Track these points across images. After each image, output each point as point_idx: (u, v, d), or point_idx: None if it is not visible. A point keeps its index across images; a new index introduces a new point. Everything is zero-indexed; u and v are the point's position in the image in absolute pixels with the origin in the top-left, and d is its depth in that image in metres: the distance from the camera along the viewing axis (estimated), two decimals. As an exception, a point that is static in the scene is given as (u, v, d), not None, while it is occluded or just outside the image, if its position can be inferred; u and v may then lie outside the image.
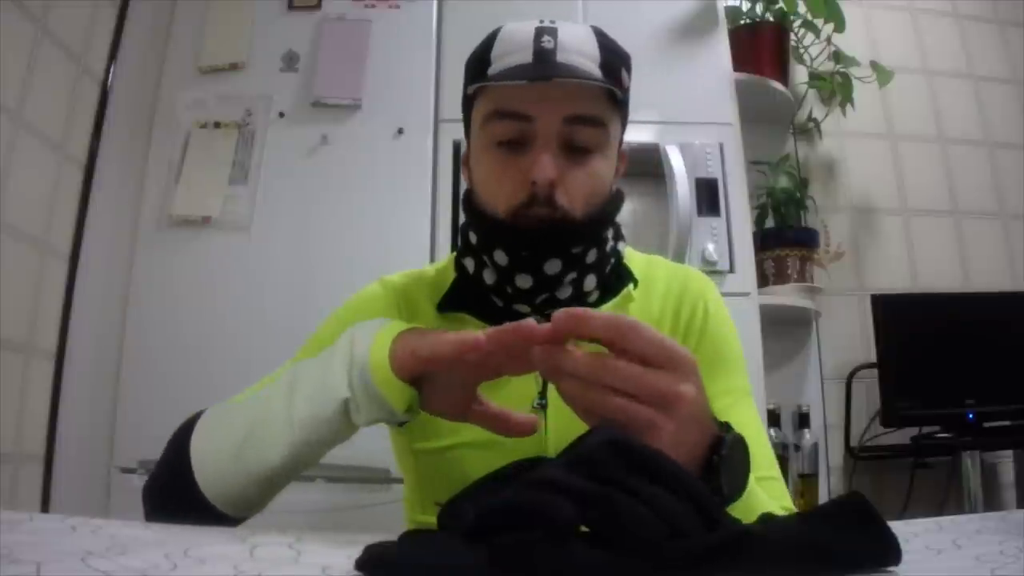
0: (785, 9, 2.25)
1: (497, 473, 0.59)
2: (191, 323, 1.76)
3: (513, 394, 0.82)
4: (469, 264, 0.87)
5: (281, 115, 1.91)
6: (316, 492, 1.61)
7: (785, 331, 2.25)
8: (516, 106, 0.81)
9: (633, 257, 0.97)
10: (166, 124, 1.91)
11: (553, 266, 0.81)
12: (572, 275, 0.82)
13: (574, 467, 0.50)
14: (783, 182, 2.25)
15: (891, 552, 0.45)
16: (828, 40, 2.31)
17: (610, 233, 0.87)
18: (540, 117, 0.80)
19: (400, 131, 1.89)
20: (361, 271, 1.77)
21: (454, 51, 1.98)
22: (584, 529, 0.46)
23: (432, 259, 1.82)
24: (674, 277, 0.96)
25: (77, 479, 1.73)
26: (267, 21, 1.99)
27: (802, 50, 2.36)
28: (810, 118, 2.47)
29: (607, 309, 0.87)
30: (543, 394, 0.85)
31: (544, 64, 0.79)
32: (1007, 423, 2.03)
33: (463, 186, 0.90)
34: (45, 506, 1.70)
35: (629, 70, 0.87)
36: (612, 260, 0.89)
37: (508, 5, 2.04)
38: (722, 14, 2.12)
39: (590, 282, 0.85)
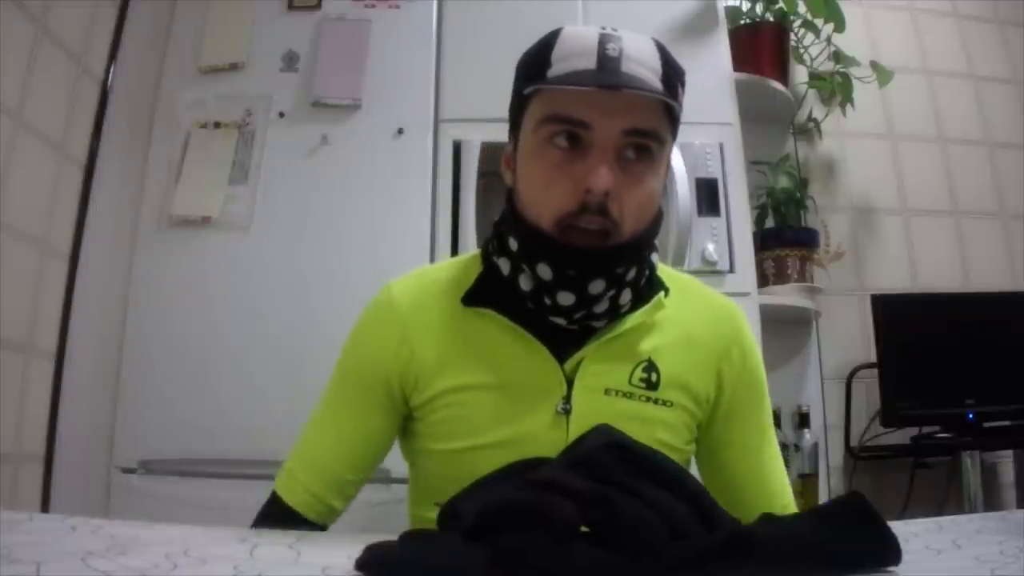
0: (785, 9, 2.24)
1: (497, 473, 0.59)
2: (191, 323, 1.76)
3: (538, 396, 0.83)
4: (504, 265, 0.85)
5: (281, 115, 1.91)
6: (316, 492, 1.61)
7: (785, 331, 2.25)
8: (576, 112, 0.79)
9: (664, 270, 0.96)
10: (166, 124, 1.91)
11: (597, 286, 0.80)
12: (612, 292, 0.82)
13: (575, 468, 0.50)
14: (783, 182, 2.25)
15: (891, 552, 0.45)
16: (828, 40, 2.31)
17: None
18: (600, 126, 0.78)
19: (400, 131, 1.89)
20: (361, 271, 1.78)
21: (454, 51, 1.98)
22: (584, 529, 0.46)
23: (432, 259, 1.82)
24: (712, 302, 0.96)
25: (77, 479, 1.73)
26: (267, 21, 1.98)
27: (802, 50, 2.36)
28: (810, 118, 2.47)
29: (638, 317, 0.87)
30: (568, 399, 0.84)
31: (609, 72, 0.78)
32: (1007, 423, 2.03)
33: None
34: (45, 506, 1.69)
35: (684, 86, 0.87)
36: (646, 272, 0.88)
37: (508, 5, 2.04)
38: (722, 14, 2.12)
39: (626, 296, 0.84)
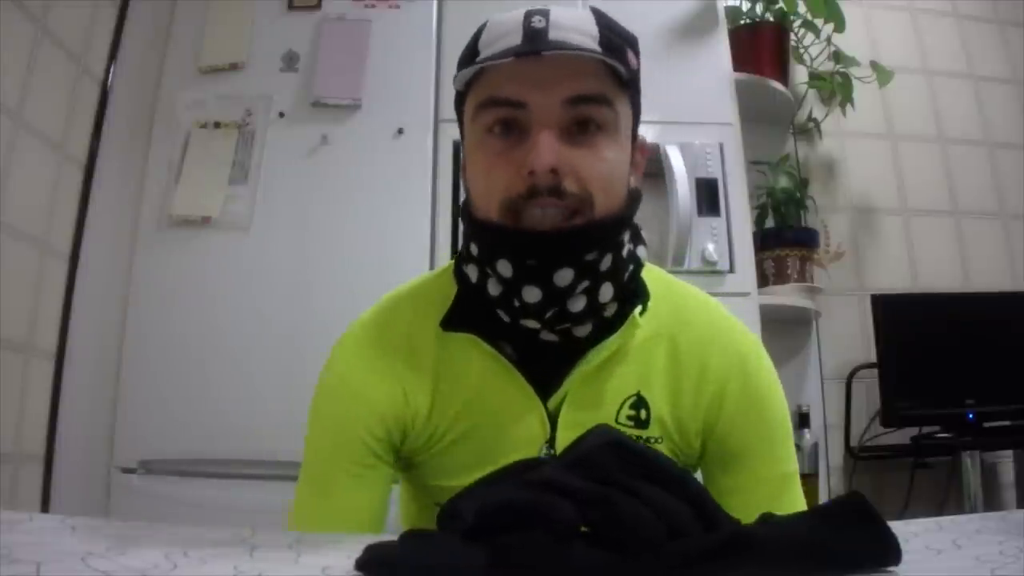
0: (785, 9, 2.24)
1: (497, 473, 0.59)
2: (191, 323, 1.76)
3: (521, 438, 0.77)
4: (472, 272, 0.78)
5: (281, 115, 1.91)
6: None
7: (785, 331, 2.25)
8: (508, 92, 0.72)
9: (660, 278, 0.86)
10: (166, 124, 1.91)
11: (564, 276, 0.71)
12: (585, 283, 0.73)
13: (574, 468, 0.50)
14: (783, 182, 2.25)
15: (891, 552, 0.45)
16: (828, 40, 2.31)
17: (626, 236, 0.78)
18: (535, 101, 0.72)
19: (400, 131, 1.89)
20: (361, 271, 1.78)
21: (454, 51, 1.95)
22: (584, 529, 0.46)
23: (432, 259, 1.82)
24: (719, 328, 0.83)
25: (77, 479, 1.73)
26: (267, 21, 1.99)
27: (802, 50, 2.36)
28: (810, 118, 2.47)
29: (618, 339, 0.77)
30: (551, 442, 0.77)
31: (534, 43, 0.71)
32: (1007, 423, 2.03)
33: (464, 193, 0.82)
34: (45, 506, 1.70)
35: (636, 51, 0.78)
36: (631, 267, 0.78)
37: (508, 5, 2.04)
38: (722, 14, 2.12)
39: (606, 292, 0.74)
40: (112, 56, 1.98)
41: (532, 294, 0.72)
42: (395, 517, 0.91)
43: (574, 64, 0.72)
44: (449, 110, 1.94)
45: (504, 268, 0.73)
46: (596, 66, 0.73)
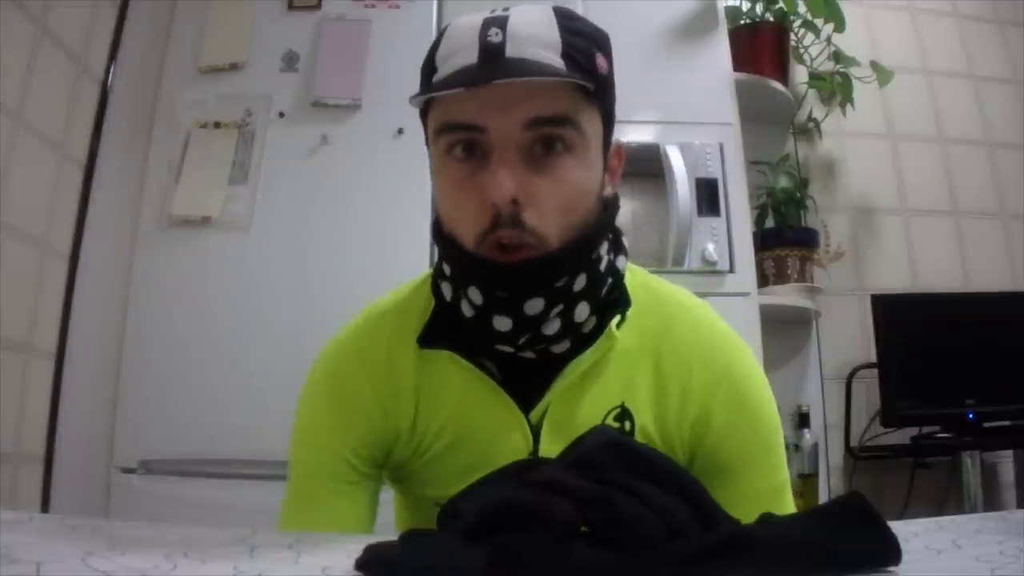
0: (785, 9, 2.24)
1: (497, 473, 0.59)
2: (191, 323, 1.76)
3: (505, 451, 0.74)
4: (447, 290, 0.76)
5: (281, 115, 1.91)
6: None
7: (785, 331, 2.25)
8: (465, 116, 0.69)
9: (647, 284, 0.83)
10: (166, 124, 1.91)
11: (534, 306, 0.69)
12: (558, 308, 0.71)
13: (573, 467, 0.50)
14: (783, 182, 2.25)
15: (891, 552, 0.45)
16: (828, 40, 2.31)
17: (604, 248, 0.75)
18: (493, 126, 0.68)
19: (400, 131, 1.89)
20: (361, 271, 1.78)
21: (454, 51, 1.98)
22: (583, 529, 0.46)
23: (432, 259, 1.82)
24: (705, 336, 0.81)
25: (77, 479, 1.73)
26: (267, 21, 1.99)
27: (802, 50, 2.36)
28: (810, 118, 2.47)
29: (598, 350, 0.76)
30: (534, 455, 0.76)
31: (489, 64, 0.67)
32: (1007, 423, 2.03)
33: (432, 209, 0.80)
34: (45, 506, 1.69)
35: (606, 52, 0.74)
36: (609, 280, 0.76)
37: (507, 5, 2.04)
38: (722, 14, 2.12)
39: (582, 311, 0.73)
40: (112, 56, 1.98)
41: (503, 323, 0.70)
42: (390, 521, 0.90)
43: (535, 82, 0.68)
44: (449, 110, 1.96)
45: (475, 296, 0.71)
46: (559, 83, 0.69)
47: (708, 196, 1.89)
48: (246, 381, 1.71)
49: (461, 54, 0.69)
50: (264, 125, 1.89)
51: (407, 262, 1.78)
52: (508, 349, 0.73)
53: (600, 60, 0.72)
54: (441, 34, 0.73)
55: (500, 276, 0.70)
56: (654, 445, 0.77)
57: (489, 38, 0.68)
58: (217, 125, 1.90)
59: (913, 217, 2.47)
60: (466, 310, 0.73)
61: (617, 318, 0.76)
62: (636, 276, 0.82)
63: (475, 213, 0.69)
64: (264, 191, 1.85)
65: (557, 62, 0.69)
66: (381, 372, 0.80)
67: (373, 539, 0.48)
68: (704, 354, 0.79)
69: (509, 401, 0.76)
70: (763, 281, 2.13)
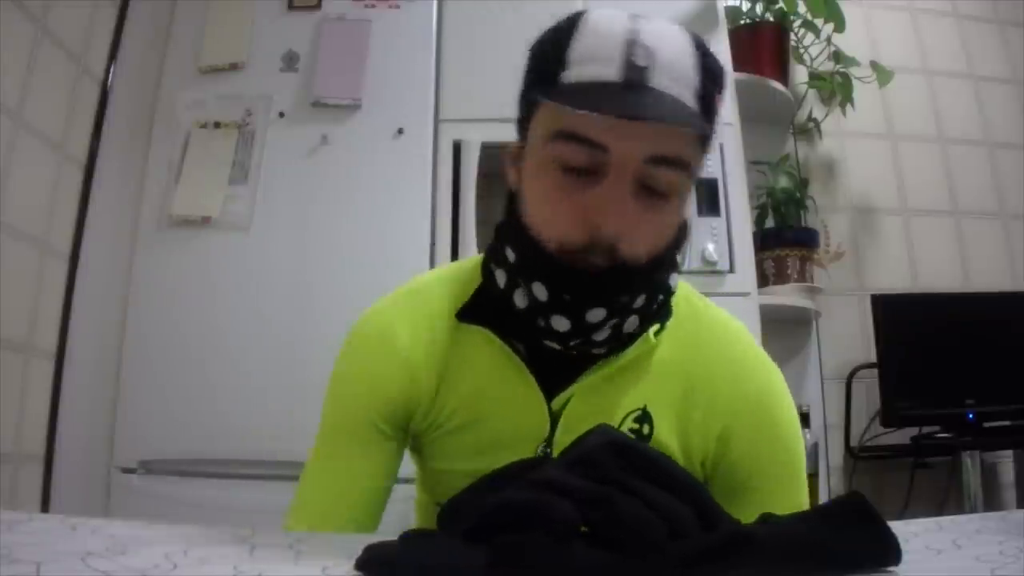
0: (785, 9, 2.25)
1: (497, 473, 0.59)
2: (191, 323, 1.76)
3: (520, 433, 0.77)
4: (500, 277, 0.76)
5: (281, 115, 1.91)
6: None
7: (785, 331, 2.25)
8: (592, 132, 0.67)
9: (691, 299, 0.84)
10: (166, 124, 1.91)
11: (596, 315, 0.71)
12: (614, 320, 0.72)
13: (574, 467, 0.50)
14: (783, 182, 2.25)
15: (891, 552, 0.45)
16: (828, 40, 2.31)
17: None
18: (616, 151, 0.67)
19: (400, 131, 1.89)
20: (361, 271, 1.78)
21: (454, 51, 1.98)
22: (584, 529, 0.46)
23: (432, 258, 1.82)
24: (738, 356, 0.82)
25: (77, 479, 1.73)
26: (267, 21, 1.99)
27: (802, 50, 2.36)
28: (810, 118, 2.47)
29: (633, 351, 0.77)
30: (549, 441, 0.77)
31: (634, 91, 0.66)
32: (1007, 423, 2.03)
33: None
34: (45, 506, 1.70)
35: (723, 87, 0.73)
36: (660, 296, 0.77)
37: (508, 5, 2.04)
38: (722, 14, 2.12)
39: (632, 323, 0.74)
40: (112, 56, 1.98)
41: (561, 324, 0.72)
42: (391, 521, 0.90)
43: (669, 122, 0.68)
44: (449, 110, 1.96)
45: (539, 291, 0.72)
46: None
47: (708, 196, 1.89)
48: (246, 381, 1.71)
49: (601, 64, 0.67)
50: (264, 125, 1.89)
51: (407, 262, 1.78)
52: (554, 345, 0.74)
53: (718, 101, 0.73)
54: (574, 22, 0.70)
55: (575, 284, 0.70)
56: (671, 453, 0.78)
57: (634, 59, 0.67)
58: (217, 125, 1.90)
59: (913, 217, 2.47)
60: (520, 301, 0.74)
61: (656, 326, 0.78)
62: (680, 289, 0.83)
63: (571, 226, 0.69)
64: (264, 191, 1.85)
65: (691, 103, 0.68)
66: (420, 336, 0.81)
67: (373, 539, 0.48)
68: (734, 372, 0.81)
69: (534, 384, 0.77)
70: (763, 281, 2.13)
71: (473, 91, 1.92)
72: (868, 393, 2.22)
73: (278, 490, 1.51)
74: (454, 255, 1.82)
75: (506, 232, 0.77)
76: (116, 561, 0.44)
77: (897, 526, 0.49)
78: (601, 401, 0.78)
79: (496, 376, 0.79)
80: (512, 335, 0.78)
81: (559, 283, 0.71)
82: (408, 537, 0.49)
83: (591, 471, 0.49)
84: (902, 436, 2.13)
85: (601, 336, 0.73)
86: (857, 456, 2.21)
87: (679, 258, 0.80)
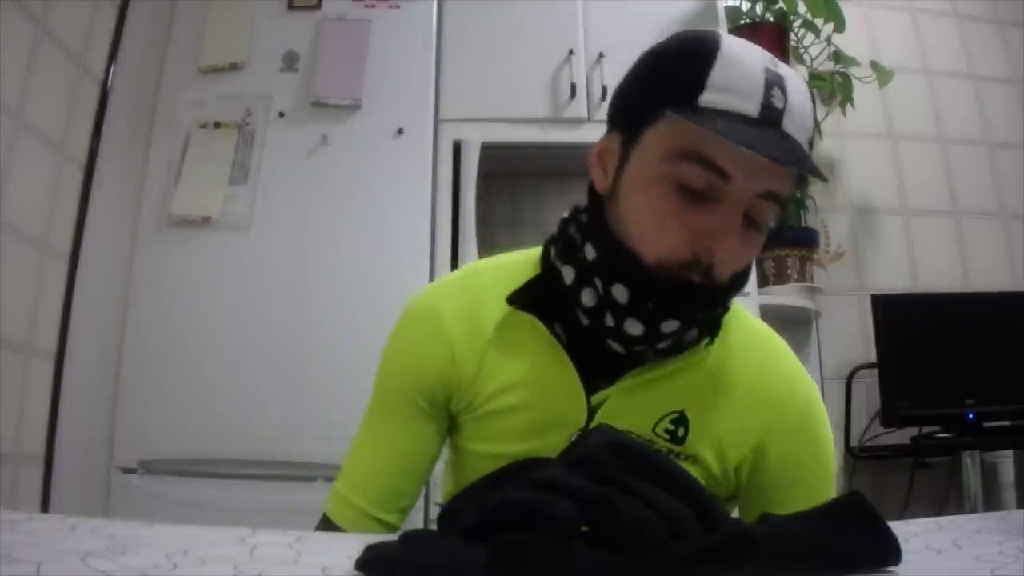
0: (785, 9, 2.24)
1: (498, 473, 0.59)
2: (191, 323, 1.76)
3: (556, 422, 0.79)
4: (568, 274, 0.78)
5: (281, 115, 1.91)
6: (316, 492, 1.61)
7: (785, 331, 2.21)
8: (720, 159, 0.69)
9: (742, 317, 0.88)
10: (166, 124, 1.91)
11: (670, 325, 0.73)
12: (682, 332, 0.76)
13: (575, 467, 0.50)
14: (783, 182, 2.25)
15: (891, 552, 0.45)
16: (828, 40, 2.31)
17: None
18: (737, 182, 0.70)
19: (400, 131, 1.89)
20: (361, 271, 1.78)
21: (454, 51, 1.98)
22: (584, 529, 0.46)
23: (432, 259, 1.82)
24: (787, 374, 0.85)
25: (77, 479, 1.74)
26: (267, 21, 1.99)
27: (802, 50, 2.36)
28: (810, 118, 2.47)
29: (680, 361, 0.80)
30: (584, 430, 0.79)
31: (771, 130, 0.69)
32: (1007, 423, 2.03)
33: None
34: (45, 506, 1.70)
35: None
36: (720, 310, 0.81)
37: (508, 5, 2.04)
38: (722, 14, 2.12)
39: (691, 335, 0.79)
40: (112, 56, 1.98)
41: (635, 328, 0.74)
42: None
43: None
44: (449, 110, 1.96)
45: (620, 294, 0.74)
46: (792, 169, 0.72)
47: (708, 196, 1.89)
48: (245, 381, 1.71)
49: (741, 98, 0.69)
50: (264, 125, 1.90)
51: (407, 262, 1.79)
52: (616, 346, 0.76)
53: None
54: (713, 50, 0.71)
55: (665, 295, 0.72)
56: (704, 459, 0.81)
57: (773, 100, 0.69)
58: (217, 125, 1.90)
59: (913, 217, 2.47)
60: (587, 299, 0.76)
61: (707, 340, 0.81)
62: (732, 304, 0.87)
63: (675, 243, 0.72)
64: (264, 191, 1.85)
65: (807, 148, 0.73)
66: (464, 319, 0.84)
67: (373, 539, 0.48)
68: (780, 388, 0.84)
69: (576, 376, 0.79)
70: (763, 281, 2.13)
71: (473, 91, 1.92)
72: (868, 393, 2.22)
73: (278, 490, 1.51)
74: (454, 255, 1.82)
75: (588, 231, 0.78)
76: (116, 561, 0.44)
77: (897, 526, 0.49)
78: (640, 400, 0.80)
79: (539, 365, 0.81)
80: (559, 321, 0.80)
81: (645, 291, 0.73)
82: (408, 537, 0.48)
83: (592, 471, 0.49)
84: (902, 436, 2.13)
85: (665, 344, 0.76)
86: (857, 456, 2.21)
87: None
